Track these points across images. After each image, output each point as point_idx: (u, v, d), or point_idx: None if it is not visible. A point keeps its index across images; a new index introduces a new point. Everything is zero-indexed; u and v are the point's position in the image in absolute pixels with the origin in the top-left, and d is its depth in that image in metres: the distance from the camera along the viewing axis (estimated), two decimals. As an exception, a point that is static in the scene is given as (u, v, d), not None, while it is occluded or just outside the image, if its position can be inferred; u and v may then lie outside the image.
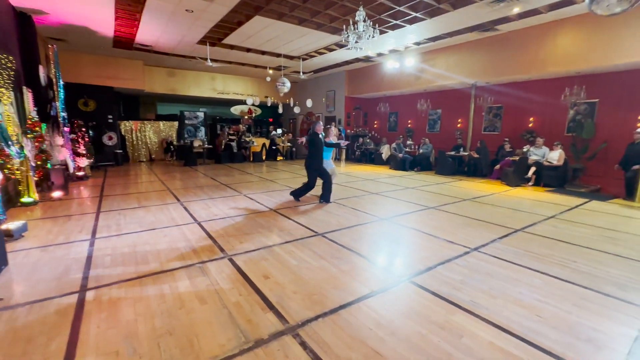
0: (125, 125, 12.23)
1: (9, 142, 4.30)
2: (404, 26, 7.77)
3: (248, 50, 10.14)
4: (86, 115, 11.14)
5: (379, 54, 10.63)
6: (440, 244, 3.67)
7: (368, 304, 2.38)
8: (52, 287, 2.59)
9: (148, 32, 8.46)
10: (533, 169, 7.77)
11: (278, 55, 10.69)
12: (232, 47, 9.82)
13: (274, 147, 13.12)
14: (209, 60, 9.43)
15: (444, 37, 8.61)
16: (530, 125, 9.01)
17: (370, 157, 12.67)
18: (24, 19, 7.18)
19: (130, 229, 4.10)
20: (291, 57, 11.10)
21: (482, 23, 7.53)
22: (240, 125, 14.25)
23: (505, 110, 9.63)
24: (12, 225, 3.62)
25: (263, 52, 10.42)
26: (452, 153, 9.81)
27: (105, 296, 2.45)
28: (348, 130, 13.93)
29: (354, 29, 6.12)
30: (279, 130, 15.52)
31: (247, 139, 12.71)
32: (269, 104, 12.81)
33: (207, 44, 9.33)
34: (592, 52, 7.03)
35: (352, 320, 2.18)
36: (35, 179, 5.98)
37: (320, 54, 10.53)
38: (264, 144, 13.34)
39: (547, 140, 8.18)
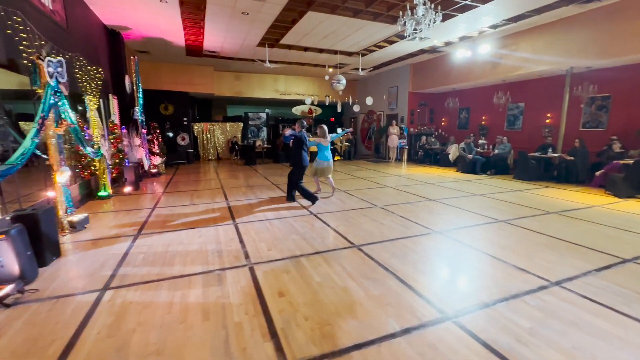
0: (197, 127, 13.35)
1: (84, 143, 4.86)
2: (476, 6, 6.69)
3: (306, 49, 10.05)
4: (166, 118, 12.51)
5: (447, 43, 9.50)
6: (508, 272, 2.88)
7: (391, 348, 1.88)
8: (82, 283, 2.70)
9: (213, 38, 8.97)
10: (655, 175, 5.95)
11: (336, 52, 10.38)
12: (289, 47, 9.85)
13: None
14: (267, 62, 9.62)
15: (529, 15, 7.20)
16: (653, 118, 6.98)
17: (436, 158, 11.50)
18: (113, 35, 8.24)
19: (173, 227, 4.24)
20: (350, 54, 10.68)
21: (583, -8, 6.03)
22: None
23: (614, 101, 7.66)
24: (75, 217, 4.03)
25: (321, 50, 10.23)
26: (537, 154, 8.21)
27: (120, 298, 2.43)
28: (411, 129, 12.93)
29: (412, 14, 5.43)
30: (340, 130, 15.26)
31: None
32: (327, 103, 12.59)
33: (266, 45, 9.52)
34: None
35: (365, 368, 1.72)
36: (113, 175, 6.79)
37: (380, 47, 9.88)
38: (321, 144, 13.18)
39: (680, 138, 6.20)
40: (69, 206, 4.14)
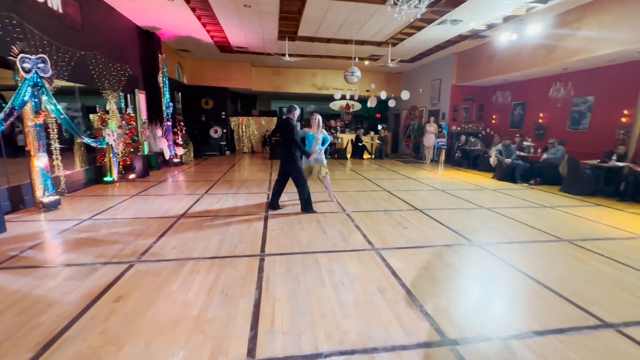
0: (234, 121, 13.99)
1: (78, 133, 5.40)
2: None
3: (328, 40, 9.60)
4: (207, 112, 13.43)
5: (490, 26, 8.02)
6: (405, 316, 2.19)
7: (135, 389, 1.53)
8: (-17, 259, 2.93)
9: (234, 34, 9.18)
10: None
11: (362, 42, 9.69)
12: (311, 39, 9.53)
13: (359, 144, 12.18)
14: (287, 55, 9.46)
15: (589, -19, 5.55)
16: None
17: (475, 161, 9.94)
18: (147, 35, 9.02)
19: (126, 214, 4.41)
20: (378, 44, 9.86)
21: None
22: (332, 121, 13.97)
23: None
24: (46, 199, 4.48)
25: (345, 41, 9.65)
26: (595, 162, 6.38)
27: (-14, 280, 2.56)
28: (453, 127, 11.43)
29: (400, -10, 4.64)
30: (380, 127, 14.46)
31: (334, 135, 12.30)
32: (355, 98, 11.91)
33: (286, 38, 9.36)
34: None
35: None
36: (127, 162, 7.47)
37: (409, 34, 8.86)
38: (350, 141, 12.60)
39: None
40: (46, 188, 4.62)
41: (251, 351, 1.80)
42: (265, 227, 3.96)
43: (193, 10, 7.34)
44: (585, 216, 4.79)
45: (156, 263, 2.92)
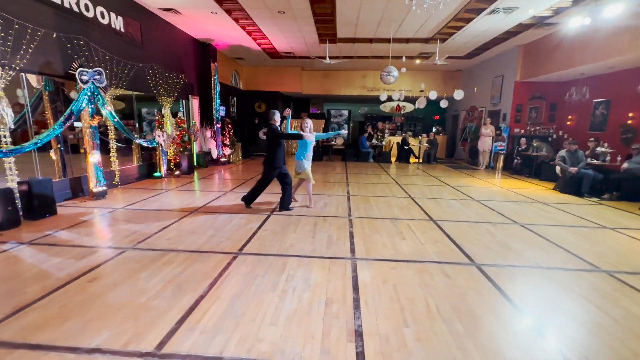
0: (284, 123, 14.55)
1: (129, 134, 6.28)
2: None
3: (370, 40, 9.35)
4: (260, 115, 14.27)
5: (556, 11, 6.83)
6: (331, 337, 2.02)
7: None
8: (15, 235, 3.61)
9: (277, 40, 9.57)
10: None
11: (406, 40, 9.20)
12: (352, 40, 9.40)
13: (405, 147, 11.52)
14: (327, 58, 9.50)
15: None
16: None
17: (537, 169, 8.56)
18: (203, 46, 10.00)
19: (152, 206, 4.96)
20: (425, 40, 9.22)
21: None
22: (380, 123, 13.52)
23: None
24: (95, 189, 5.30)
25: (388, 40, 9.27)
26: (693, 175, 4.92)
27: (14, 252, 3.15)
28: (516, 129, 10.04)
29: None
30: (434, 129, 13.58)
31: (378, 138, 11.91)
32: (401, 99, 11.32)
33: (327, 41, 9.41)
34: None
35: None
36: (176, 160, 8.37)
37: (457, 28, 8.09)
38: (397, 144, 12.02)
39: None
40: (98, 180, 5.47)
41: (161, 344, 1.87)
42: (259, 227, 4.05)
43: (236, 20, 7.89)
44: (656, 243, 3.74)
45: (145, 251, 3.22)
